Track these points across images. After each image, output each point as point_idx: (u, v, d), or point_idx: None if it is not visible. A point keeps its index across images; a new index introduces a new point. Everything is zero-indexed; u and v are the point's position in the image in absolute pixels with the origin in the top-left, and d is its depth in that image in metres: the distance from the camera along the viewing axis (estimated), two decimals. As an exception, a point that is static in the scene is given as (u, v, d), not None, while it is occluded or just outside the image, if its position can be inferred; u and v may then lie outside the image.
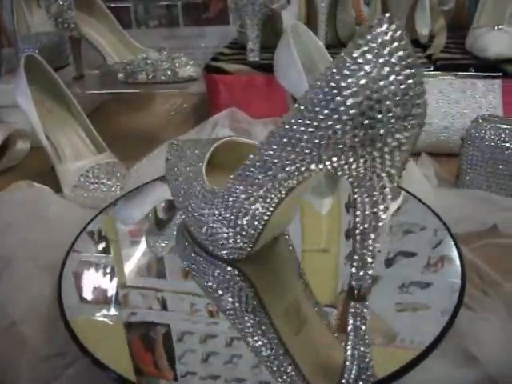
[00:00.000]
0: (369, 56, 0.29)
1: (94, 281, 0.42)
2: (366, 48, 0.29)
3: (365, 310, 0.35)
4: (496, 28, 0.74)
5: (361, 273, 0.34)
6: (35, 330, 0.39)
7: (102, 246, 0.47)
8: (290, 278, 0.41)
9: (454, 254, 0.41)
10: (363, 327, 0.34)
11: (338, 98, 0.30)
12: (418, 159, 0.63)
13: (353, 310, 0.35)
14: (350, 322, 0.34)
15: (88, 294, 0.41)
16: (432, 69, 0.74)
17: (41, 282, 0.44)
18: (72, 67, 0.81)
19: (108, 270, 0.43)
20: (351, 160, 0.31)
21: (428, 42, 0.83)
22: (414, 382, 0.32)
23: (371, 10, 0.88)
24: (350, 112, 0.30)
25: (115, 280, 0.42)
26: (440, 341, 0.32)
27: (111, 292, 0.41)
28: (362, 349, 0.32)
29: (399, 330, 0.34)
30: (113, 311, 0.39)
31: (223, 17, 1.06)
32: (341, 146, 0.31)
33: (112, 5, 0.80)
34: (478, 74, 0.71)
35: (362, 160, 0.31)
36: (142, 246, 0.47)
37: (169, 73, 0.71)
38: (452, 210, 0.50)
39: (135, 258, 0.45)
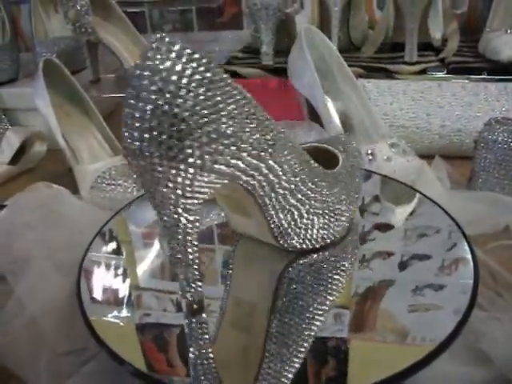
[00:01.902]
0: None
1: (109, 281, 0.43)
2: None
3: (203, 323, 0.35)
4: (509, 31, 0.75)
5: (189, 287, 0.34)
6: (53, 327, 0.40)
7: (116, 247, 0.48)
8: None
9: (468, 256, 0.41)
10: (204, 340, 0.34)
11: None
12: (432, 162, 0.64)
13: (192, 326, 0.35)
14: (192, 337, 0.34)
15: (103, 295, 0.41)
16: (445, 72, 0.75)
17: (58, 281, 0.44)
18: (89, 71, 0.82)
19: (123, 272, 0.44)
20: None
21: (441, 45, 0.83)
22: (424, 378, 0.32)
23: (384, 13, 0.88)
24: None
25: (130, 282, 0.43)
26: (452, 339, 0.32)
27: (126, 293, 0.41)
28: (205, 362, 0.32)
29: (411, 329, 0.34)
30: (128, 312, 0.39)
31: (237, 21, 1.07)
32: None
33: (128, 10, 0.81)
34: (491, 77, 0.71)
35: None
36: (156, 248, 0.47)
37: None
38: (465, 212, 0.51)
39: (149, 260, 0.46)
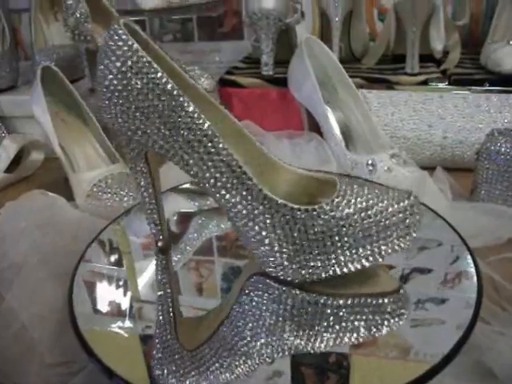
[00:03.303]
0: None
1: (104, 291, 0.42)
2: None
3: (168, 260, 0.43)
4: (511, 42, 0.74)
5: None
6: (44, 337, 0.39)
7: (113, 257, 0.47)
8: None
9: (472, 269, 0.40)
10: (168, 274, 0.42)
11: None
12: (433, 173, 0.63)
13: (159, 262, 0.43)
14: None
15: (98, 305, 0.40)
16: (446, 83, 0.74)
17: (51, 290, 0.43)
18: (88, 79, 0.81)
19: (119, 283, 0.43)
20: None
21: (442, 57, 0.83)
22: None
23: (385, 25, 0.88)
24: None
25: (126, 292, 0.42)
26: (455, 355, 0.31)
27: (121, 304, 0.40)
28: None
29: (413, 344, 0.34)
30: (123, 323, 0.38)
31: (237, 32, 1.07)
32: None
33: (128, 18, 0.81)
34: (493, 88, 0.71)
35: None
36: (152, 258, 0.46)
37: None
38: (467, 224, 0.50)
39: (148, 271, 0.45)
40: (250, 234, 0.38)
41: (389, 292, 0.38)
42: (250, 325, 0.36)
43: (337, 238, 0.36)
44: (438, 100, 0.71)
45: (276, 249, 0.37)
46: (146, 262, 0.46)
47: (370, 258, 0.37)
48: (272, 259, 0.38)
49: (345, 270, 0.37)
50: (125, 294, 0.42)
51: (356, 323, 0.35)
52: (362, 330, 0.34)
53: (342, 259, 0.37)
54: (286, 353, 0.34)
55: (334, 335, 0.34)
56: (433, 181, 0.59)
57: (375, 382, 0.32)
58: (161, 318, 0.38)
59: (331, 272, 0.37)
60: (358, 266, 0.37)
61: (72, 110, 0.72)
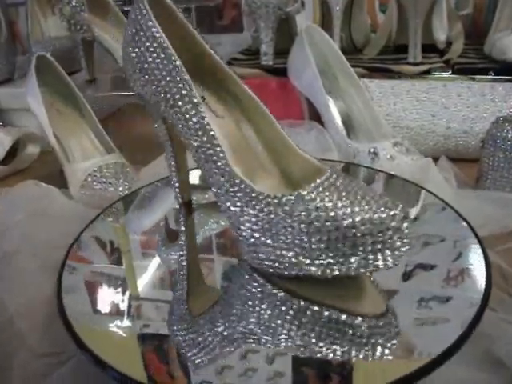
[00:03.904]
0: None
1: (92, 284, 0.41)
2: None
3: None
4: (516, 31, 0.73)
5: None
6: (32, 328, 0.38)
7: (103, 250, 0.45)
8: None
9: (478, 260, 0.38)
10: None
11: None
12: (437, 163, 0.61)
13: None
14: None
15: (90, 300, 0.39)
16: (450, 72, 0.72)
17: (41, 280, 0.42)
18: (84, 70, 0.80)
19: (117, 281, 0.41)
20: None
21: (445, 47, 0.81)
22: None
23: (387, 16, 0.87)
24: None
25: (122, 289, 0.40)
26: (457, 348, 0.30)
27: (116, 300, 0.39)
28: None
29: (417, 343, 0.32)
30: (116, 319, 0.37)
31: (237, 24, 1.05)
32: None
33: (125, 8, 0.80)
34: (499, 77, 0.69)
35: None
36: (154, 257, 0.45)
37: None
38: (473, 213, 0.48)
39: (146, 268, 0.43)
40: (231, 220, 0.38)
41: (369, 315, 0.34)
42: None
43: (302, 237, 0.34)
44: (441, 89, 0.70)
45: (252, 240, 0.36)
46: (144, 260, 0.45)
47: (334, 267, 0.34)
48: (250, 248, 0.37)
49: (312, 271, 0.34)
50: (121, 291, 0.40)
51: (327, 340, 0.32)
52: (334, 350, 0.32)
53: (308, 261, 0.34)
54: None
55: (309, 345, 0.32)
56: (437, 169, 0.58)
57: (379, 383, 0.30)
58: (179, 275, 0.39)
59: (302, 271, 0.35)
60: (321, 273, 0.34)
61: (68, 100, 0.71)
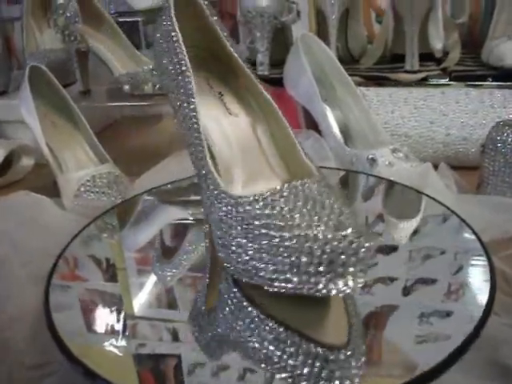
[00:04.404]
0: None
1: (91, 303, 0.39)
2: None
3: None
4: (512, 37, 0.72)
5: None
6: (18, 339, 0.36)
7: (106, 271, 0.44)
8: None
9: (482, 268, 0.37)
10: None
11: None
12: (437, 170, 0.60)
13: None
14: None
15: (84, 319, 0.37)
16: (447, 80, 0.72)
17: (30, 290, 0.41)
18: (79, 82, 0.80)
19: (111, 299, 0.40)
20: None
21: (442, 56, 0.81)
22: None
23: (383, 25, 0.86)
24: None
25: (116, 307, 0.39)
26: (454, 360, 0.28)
27: (98, 308, 0.38)
28: None
29: (419, 361, 0.30)
30: (97, 327, 0.36)
31: (232, 36, 1.05)
32: None
33: (120, 19, 0.80)
34: (497, 83, 0.69)
35: None
36: (149, 274, 0.44)
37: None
38: (473, 219, 0.47)
39: (141, 285, 0.42)
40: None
41: (323, 344, 0.30)
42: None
43: (246, 240, 0.33)
44: (439, 96, 0.69)
45: (219, 239, 0.35)
46: (140, 277, 0.44)
47: (274, 283, 0.31)
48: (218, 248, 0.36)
49: (255, 279, 0.32)
50: (116, 309, 0.39)
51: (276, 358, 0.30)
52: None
53: (250, 267, 0.32)
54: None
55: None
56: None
57: None
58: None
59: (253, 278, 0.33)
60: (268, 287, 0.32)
61: (62, 112, 0.70)
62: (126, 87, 0.70)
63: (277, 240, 0.31)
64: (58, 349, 0.32)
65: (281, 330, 0.31)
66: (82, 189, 0.58)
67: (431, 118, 0.69)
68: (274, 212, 0.32)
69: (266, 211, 0.32)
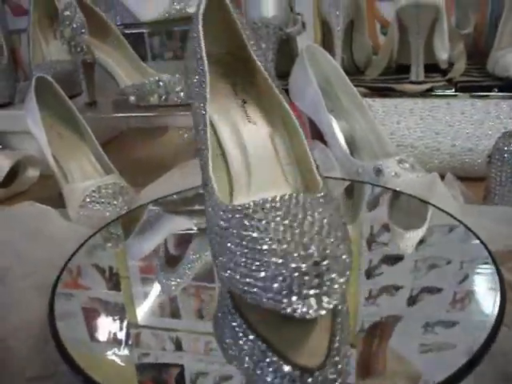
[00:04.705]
0: None
1: (94, 312, 0.39)
2: None
3: None
4: (518, 48, 0.72)
5: None
6: (22, 349, 0.36)
7: (106, 278, 0.44)
8: None
9: (488, 278, 0.37)
10: None
11: None
12: (443, 180, 0.60)
13: None
14: None
15: (87, 327, 0.37)
16: (453, 90, 0.72)
17: (34, 301, 0.41)
18: (85, 93, 0.80)
19: (115, 308, 0.40)
20: None
21: (448, 67, 0.81)
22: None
23: (388, 36, 0.86)
24: None
25: (119, 316, 0.39)
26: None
27: (112, 328, 0.37)
28: None
29: (423, 371, 0.30)
30: (117, 348, 0.35)
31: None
32: None
33: (126, 31, 0.80)
34: (503, 94, 0.68)
35: None
36: (153, 283, 0.44)
37: (182, 95, 0.69)
38: (479, 230, 0.47)
39: (145, 294, 0.42)
40: None
41: (294, 364, 0.29)
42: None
43: (226, 250, 0.32)
44: (445, 107, 0.69)
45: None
46: (144, 286, 0.43)
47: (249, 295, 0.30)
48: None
49: (234, 290, 0.32)
50: (119, 318, 0.38)
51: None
52: None
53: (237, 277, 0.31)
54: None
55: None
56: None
57: None
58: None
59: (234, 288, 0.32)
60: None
61: (68, 123, 0.71)
62: (132, 98, 0.71)
63: (247, 252, 0.30)
64: (62, 358, 0.31)
65: (259, 343, 0.31)
66: (88, 199, 0.58)
67: (437, 129, 0.69)
68: (252, 223, 0.31)
69: (245, 222, 0.31)
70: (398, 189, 0.52)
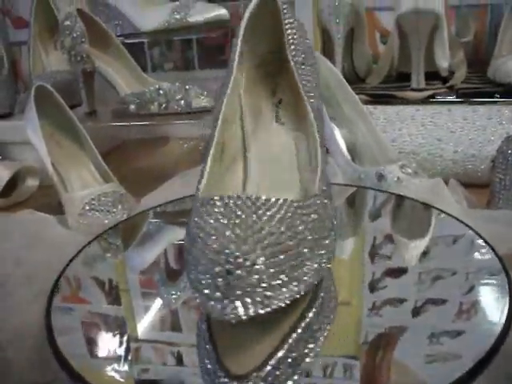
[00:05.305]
0: None
1: (94, 326, 0.38)
2: None
3: None
4: (519, 54, 0.72)
5: None
6: (20, 358, 0.35)
7: (108, 291, 0.43)
8: None
9: (496, 288, 0.36)
10: None
11: None
12: (447, 186, 0.59)
13: None
14: None
15: (87, 342, 0.36)
16: (454, 97, 0.71)
17: (33, 309, 0.40)
18: (84, 103, 0.80)
19: (115, 321, 0.39)
20: None
21: (448, 75, 0.81)
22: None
23: (389, 44, 0.87)
24: None
25: (119, 330, 0.37)
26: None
27: (112, 343, 0.36)
28: None
29: (429, 381, 0.30)
30: (117, 363, 0.34)
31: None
32: None
33: (126, 41, 0.80)
34: (505, 99, 0.68)
35: None
36: (154, 296, 0.43)
37: (182, 103, 0.69)
38: (486, 233, 0.46)
39: (145, 308, 0.41)
40: None
41: (226, 369, 0.29)
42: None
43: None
44: (446, 113, 0.69)
45: None
46: (144, 300, 0.42)
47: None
48: None
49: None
50: (119, 332, 0.37)
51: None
52: None
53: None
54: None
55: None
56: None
57: None
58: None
59: None
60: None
61: (68, 132, 0.70)
62: (132, 107, 0.70)
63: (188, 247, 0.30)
64: (60, 366, 0.31)
65: (207, 346, 0.31)
66: (87, 207, 0.58)
67: (439, 135, 0.68)
68: (204, 218, 0.30)
69: (198, 218, 0.31)
70: (401, 193, 0.52)
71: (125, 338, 0.36)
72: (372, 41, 0.99)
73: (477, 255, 0.41)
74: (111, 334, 0.37)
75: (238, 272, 0.27)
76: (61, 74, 0.85)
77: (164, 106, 0.70)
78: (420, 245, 0.46)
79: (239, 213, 0.30)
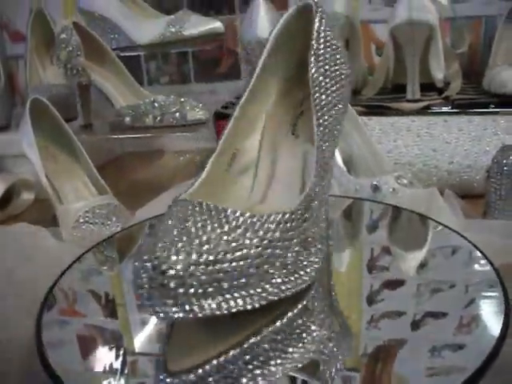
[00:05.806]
0: None
1: (89, 339, 0.38)
2: None
3: None
4: (513, 65, 0.73)
5: None
6: (12, 373, 0.35)
7: (104, 304, 0.42)
8: None
9: (495, 300, 0.36)
10: None
11: None
12: (442, 197, 0.59)
13: None
14: None
15: (82, 356, 0.36)
16: (450, 107, 0.72)
17: (22, 323, 0.39)
18: (80, 116, 0.80)
19: (110, 335, 0.38)
20: None
21: (443, 86, 0.81)
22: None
23: (384, 56, 0.87)
24: None
25: (115, 344, 0.37)
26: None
27: (108, 356, 0.36)
28: None
29: None
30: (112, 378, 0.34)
31: (234, 71, 1.06)
32: None
33: (122, 54, 0.80)
34: (500, 109, 0.68)
35: None
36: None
37: (177, 115, 0.69)
38: (482, 244, 0.46)
39: (142, 321, 0.40)
40: None
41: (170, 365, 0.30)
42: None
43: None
44: (442, 124, 0.69)
45: None
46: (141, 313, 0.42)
47: None
48: None
49: None
50: (115, 346, 0.37)
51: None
52: None
53: None
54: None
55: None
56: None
57: None
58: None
59: None
60: None
61: (63, 145, 0.70)
62: (127, 119, 0.70)
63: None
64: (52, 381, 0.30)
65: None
66: (81, 220, 0.58)
67: (434, 146, 0.68)
68: (163, 223, 0.31)
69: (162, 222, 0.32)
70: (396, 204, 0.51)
71: (121, 352, 0.36)
72: (367, 53, 0.99)
73: (475, 267, 0.41)
74: (107, 348, 0.36)
75: (161, 278, 0.27)
76: (57, 88, 0.85)
77: (159, 118, 0.70)
78: (418, 256, 0.46)
79: (194, 221, 0.30)
